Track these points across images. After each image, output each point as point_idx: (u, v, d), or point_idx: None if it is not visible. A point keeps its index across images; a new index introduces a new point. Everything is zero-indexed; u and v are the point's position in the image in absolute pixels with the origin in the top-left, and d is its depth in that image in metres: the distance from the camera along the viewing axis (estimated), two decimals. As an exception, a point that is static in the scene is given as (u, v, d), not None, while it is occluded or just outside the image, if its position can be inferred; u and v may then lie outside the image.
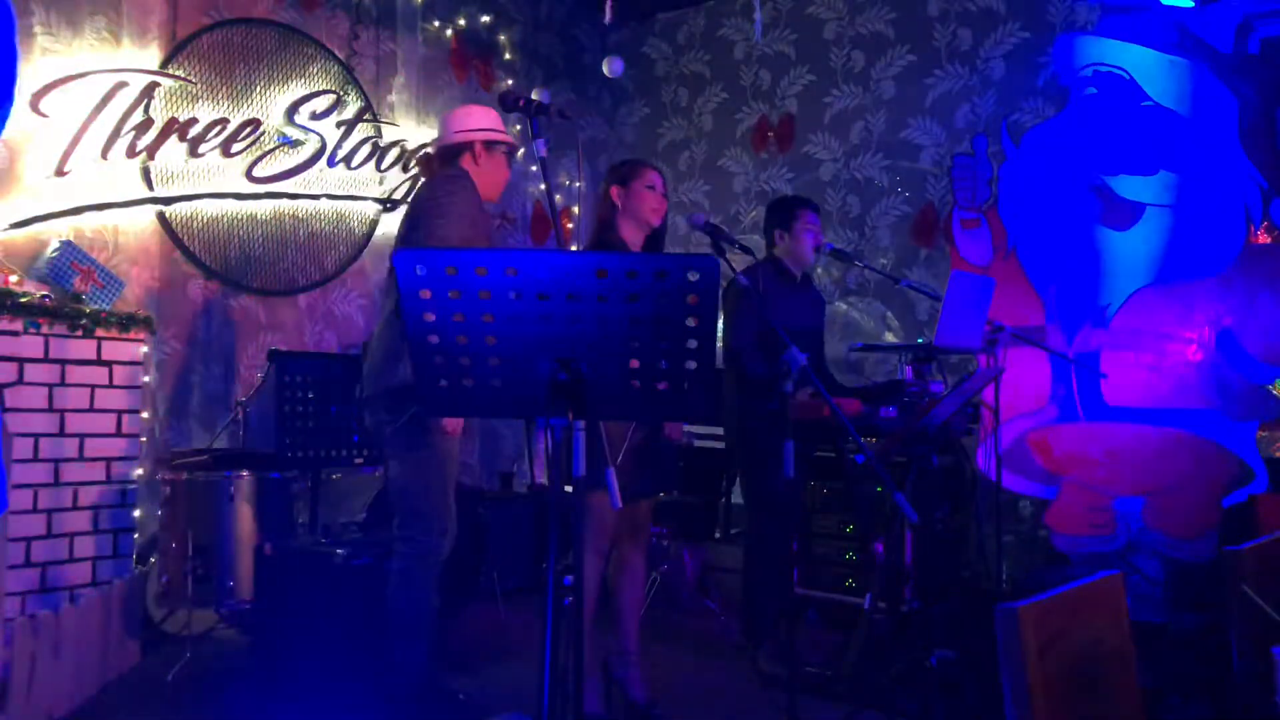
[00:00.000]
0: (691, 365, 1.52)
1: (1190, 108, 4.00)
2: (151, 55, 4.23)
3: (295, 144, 4.76)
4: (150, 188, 4.24)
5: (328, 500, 4.27)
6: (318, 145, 4.83)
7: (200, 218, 4.45)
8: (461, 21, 5.62)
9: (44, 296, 3.57)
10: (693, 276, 1.45)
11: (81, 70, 3.95)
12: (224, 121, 4.46)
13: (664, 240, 3.29)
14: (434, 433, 2.94)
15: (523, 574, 4.85)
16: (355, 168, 5.02)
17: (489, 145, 3.14)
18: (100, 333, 3.66)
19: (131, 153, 4.14)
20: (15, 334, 3.42)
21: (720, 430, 4.53)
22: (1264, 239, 3.88)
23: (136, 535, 3.86)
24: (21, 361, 3.45)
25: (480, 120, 3.18)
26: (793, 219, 3.88)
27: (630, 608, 3.21)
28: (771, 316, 2.87)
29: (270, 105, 4.68)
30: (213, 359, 4.49)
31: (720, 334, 3.74)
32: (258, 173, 4.61)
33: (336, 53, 4.98)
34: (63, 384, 3.57)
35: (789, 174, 5.85)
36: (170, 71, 4.29)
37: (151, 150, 4.21)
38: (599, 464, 2.45)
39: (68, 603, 3.39)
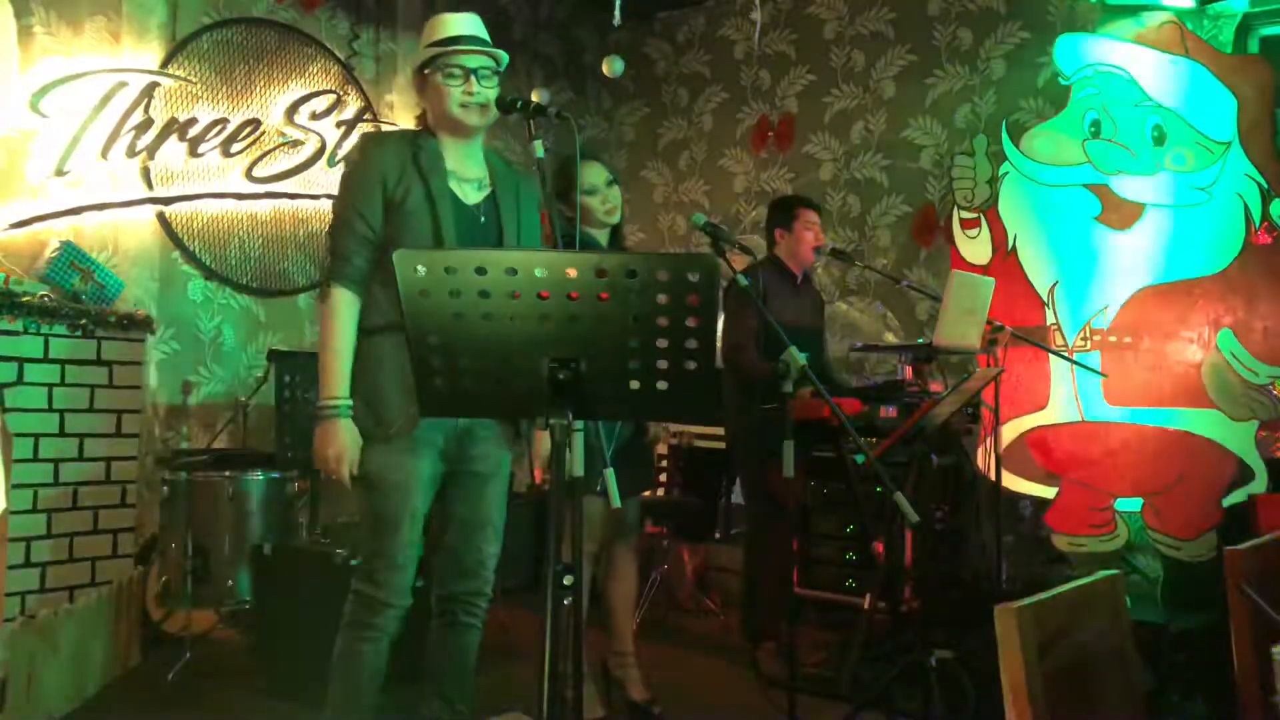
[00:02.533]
0: (691, 365, 1.52)
1: (1190, 108, 3.99)
2: (151, 55, 4.23)
3: (295, 143, 4.76)
4: (150, 188, 4.24)
5: (328, 500, 4.27)
6: (318, 145, 4.83)
7: (200, 218, 4.45)
8: (461, 21, 5.62)
9: (44, 296, 3.57)
10: (693, 276, 1.45)
11: (81, 70, 3.95)
12: (224, 121, 4.46)
13: (623, 231, 3.19)
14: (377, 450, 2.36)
15: (523, 574, 4.85)
16: (355, 168, 5.01)
17: (422, 71, 2.44)
18: (100, 333, 3.66)
19: (131, 153, 4.14)
20: (15, 334, 3.42)
21: (720, 430, 4.53)
22: (1264, 239, 3.88)
23: (136, 535, 3.86)
24: (21, 361, 3.45)
25: (424, 39, 2.46)
26: (793, 218, 3.88)
27: (623, 608, 3.21)
28: (771, 316, 2.87)
29: (270, 105, 4.68)
30: (213, 359, 4.49)
31: (720, 334, 3.74)
32: (258, 173, 4.61)
33: (336, 53, 4.98)
34: (63, 384, 3.57)
35: (789, 174, 5.85)
36: (170, 71, 4.29)
37: (151, 150, 4.21)
38: (597, 464, 2.44)
39: (68, 603, 3.39)
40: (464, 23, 2.42)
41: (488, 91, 2.40)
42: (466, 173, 2.43)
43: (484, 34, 2.44)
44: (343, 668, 2.37)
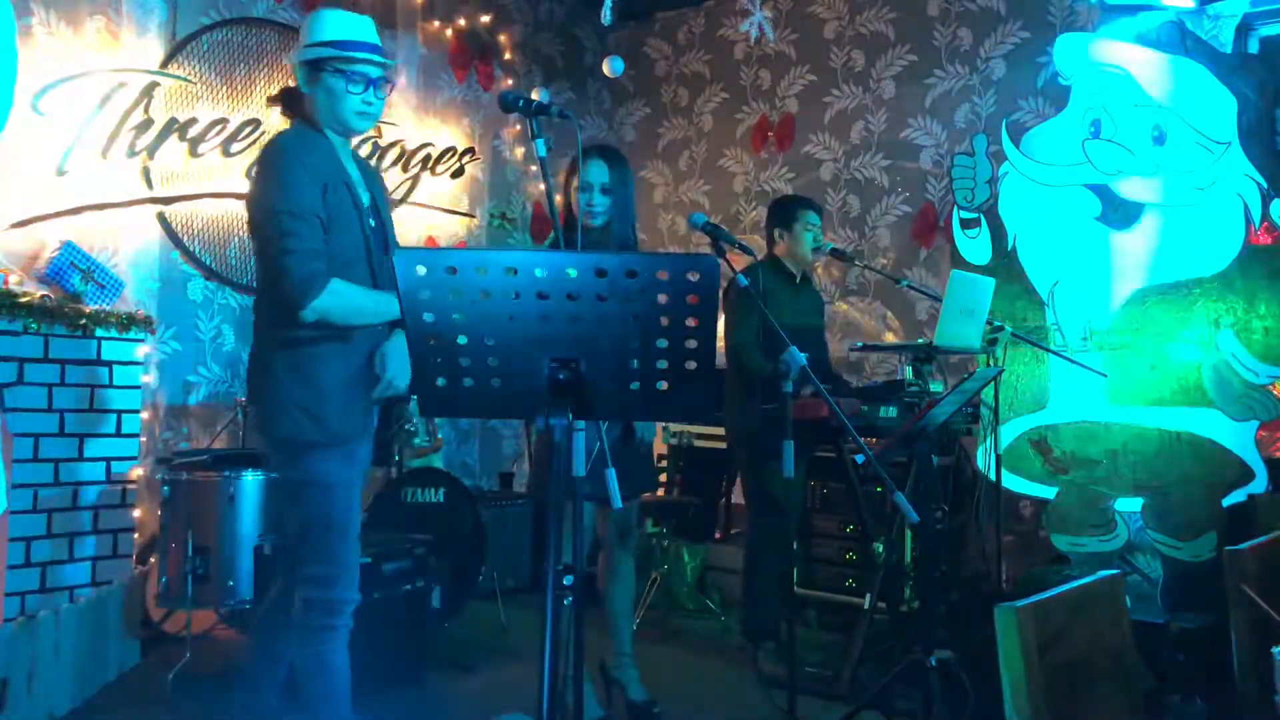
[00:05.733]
0: (691, 365, 1.52)
1: (1190, 108, 3.99)
2: (151, 55, 4.23)
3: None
4: (150, 188, 4.24)
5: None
6: (318, 145, 4.82)
7: (200, 218, 4.45)
8: (461, 21, 5.62)
9: (44, 296, 3.57)
10: (693, 276, 1.45)
11: (81, 70, 3.94)
12: (224, 121, 4.46)
13: (617, 237, 2.99)
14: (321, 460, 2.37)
15: (523, 574, 4.85)
16: (355, 168, 5.01)
17: (314, 67, 2.39)
18: (100, 333, 3.66)
19: (131, 153, 4.14)
20: (15, 334, 3.42)
21: (720, 430, 4.53)
22: (1264, 239, 3.87)
23: (136, 535, 3.86)
24: (21, 361, 3.44)
25: (316, 31, 2.39)
26: (793, 219, 3.88)
27: (622, 610, 3.21)
28: (771, 316, 2.87)
29: (270, 105, 4.68)
30: (213, 359, 4.49)
31: (721, 334, 3.74)
32: (258, 173, 4.60)
33: (336, 53, 4.97)
34: (63, 384, 3.57)
35: (789, 174, 5.85)
36: (170, 71, 4.29)
37: (151, 150, 4.21)
38: (598, 465, 2.44)
39: (68, 603, 3.39)
40: (365, 27, 2.42)
41: (380, 103, 2.45)
42: (354, 174, 2.47)
43: (379, 41, 2.45)
44: (318, 672, 2.39)
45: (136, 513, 3.85)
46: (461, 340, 1.51)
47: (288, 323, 2.31)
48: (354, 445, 2.40)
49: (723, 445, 4.69)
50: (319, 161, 2.35)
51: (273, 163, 2.34)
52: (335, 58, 2.35)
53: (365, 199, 2.46)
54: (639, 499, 3.27)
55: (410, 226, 5.31)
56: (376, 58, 2.40)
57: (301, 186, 2.29)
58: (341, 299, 2.32)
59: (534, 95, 5.37)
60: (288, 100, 2.48)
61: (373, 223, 2.46)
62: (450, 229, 5.54)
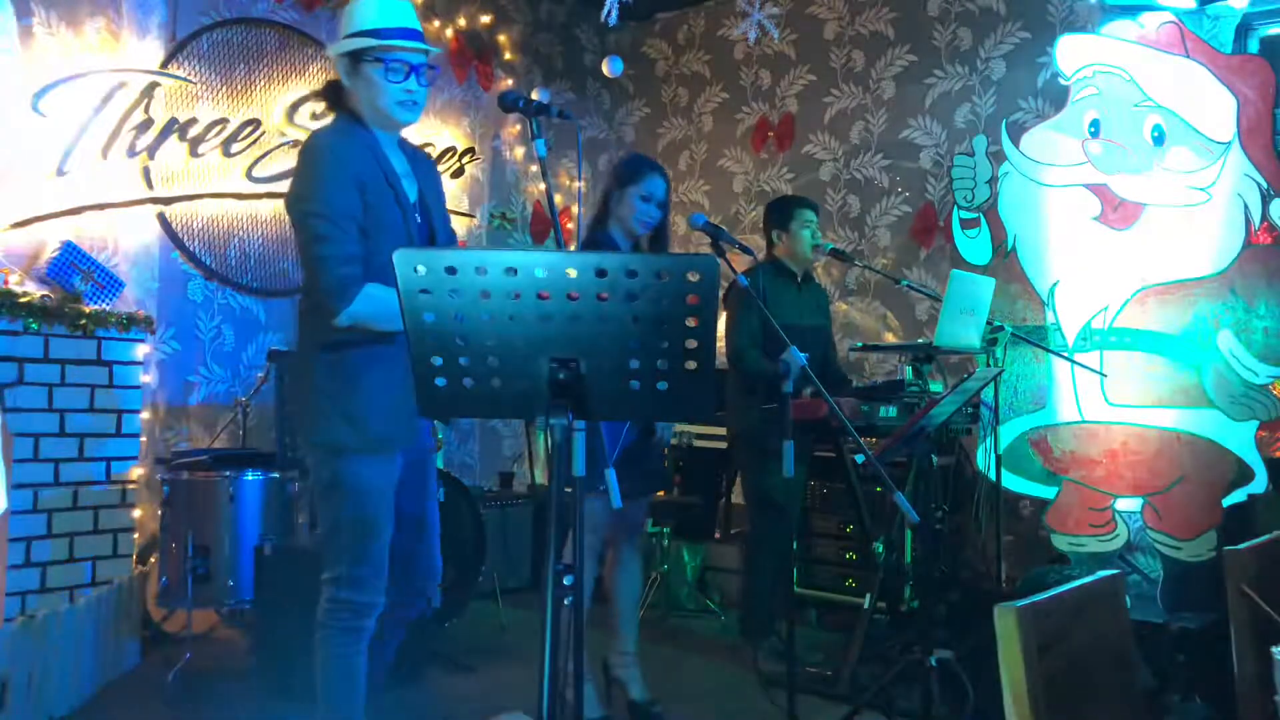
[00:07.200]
0: (691, 365, 1.52)
1: (1190, 108, 3.99)
2: (151, 55, 4.23)
3: (295, 143, 4.76)
4: (150, 188, 4.24)
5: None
6: (318, 145, 4.82)
7: (200, 218, 4.45)
8: (461, 21, 5.62)
9: (44, 296, 3.57)
10: (693, 276, 1.45)
11: (81, 70, 3.94)
12: (224, 121, 4.46)
13: (665, 246, 3.25)
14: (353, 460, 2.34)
15: (523, 574, 4.85)
16: (355, 168, 5.02)
17: (353, 59, 2.29)
18: (100, 333, 3.66)
19: (131, 153, 4.14)
20: (15, 334, 3.42)
21: (720, 430, 4.53)
22: (1264, 239, 3.87)
23: (136, 535, 3.87)
24: (21, 361, 3.45)
25: (355, 20, 2.31)
26: (789, 218, 3.89)
27: (628, 608, 3.21)
28: (772, 316, 2.87)
29: (270, 105, 4.68)
30: (213, 359, 4.49)
31: (721, 334, 3.74)
32: (258, 173, 4.60)
33: (336, 53, 4.98)
34: (63, 384, 3.57)
35: (789, 174, 5.85)
36: (170, 71, 4.29)
37: (151, 150, 4.21)
38: (599, 464, 2.44)
39: (68, 603, 3.39)
40: (404, 13, 2.30)
41: (424, 91, 2.34)
42: (401, 167, 2.38)
43: (419, 25, 2.35)
44: (340, 673, 2.37)
45: (136, 513, 3.85)
46: (461, 340, 1.51)
47: (328, 326, 2.25)
48: (396, 450, 2.35)
49: (723, 445, 4.69)
50: (357, 159, 2.26)
51: (307, 163, 2.28)
52: (373, 47, 2.26)
53: (412, 194, 2.37)
54: (649, 497, 3.28)
55: (410, 226, 5.31)
56: (416, 43, 2.29)
57: (336, 188, 2.22)
58: (376, 304, 2.23)
59: (534, 95, 5.37)
60: (332, 94, 2.38)
61: (419, 219, 2.37)
62: (450, 229, 5.55)
